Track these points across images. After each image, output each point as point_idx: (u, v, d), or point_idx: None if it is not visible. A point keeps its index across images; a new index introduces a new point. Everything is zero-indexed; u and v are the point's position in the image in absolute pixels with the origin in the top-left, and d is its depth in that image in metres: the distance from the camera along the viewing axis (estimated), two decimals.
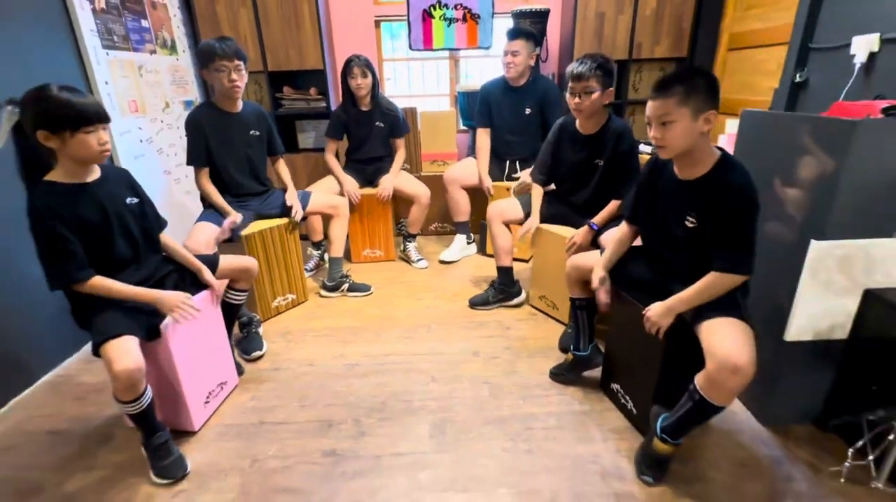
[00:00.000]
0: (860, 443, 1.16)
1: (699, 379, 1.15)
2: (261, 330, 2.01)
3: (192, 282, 1.52)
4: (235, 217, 1.97)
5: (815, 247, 1.24)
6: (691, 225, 1.25)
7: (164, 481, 1.32)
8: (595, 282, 1.47)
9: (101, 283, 1.25)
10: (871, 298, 1.29)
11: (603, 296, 1.49)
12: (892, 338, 1.26)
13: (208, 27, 2.79)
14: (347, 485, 1.30)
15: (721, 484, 1.28)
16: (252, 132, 2.10)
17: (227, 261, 1.63)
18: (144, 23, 2.43)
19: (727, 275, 1.16)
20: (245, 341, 1.92)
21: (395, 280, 2.61)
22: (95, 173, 1.31)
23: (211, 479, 1.34)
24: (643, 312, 1.30)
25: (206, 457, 1.41)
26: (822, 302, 1.30)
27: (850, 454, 1.14)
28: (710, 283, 1.18)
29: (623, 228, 1.48)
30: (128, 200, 1.37)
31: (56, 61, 1.93)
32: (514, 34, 2.43)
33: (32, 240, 1.21)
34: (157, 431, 1.33)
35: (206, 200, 2.07)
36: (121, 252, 1.33)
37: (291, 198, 2.22)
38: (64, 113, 1.15)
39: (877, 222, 1.23)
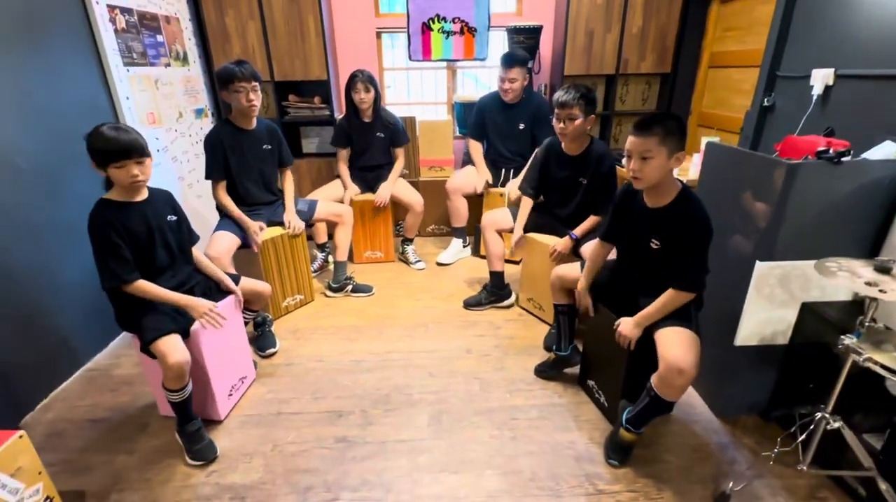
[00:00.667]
0: (791, 431, 1.37)
1: (654, 379, 1.37)
2: (273, 328, 2.21)
3: (217, 290, 1.72)
4: (259, 229, 2.18)
5: (759, 267, 1.45)
6: (655, 246, 1.46)
7: (198, 463, 1.52)
8: (582, 301, 1.68)
9: (144, 286, 1.46)
10: (807, 310, 1.51)
11: (589, 310, 1.69)
12: (823, 344, 1.48)
13: (218, 39, 2.93)
14: (357, 467, 1.52)
15: (675, 466, 1.51)
16: (265, 146, 2.27)
17: (246, 282, 1.84)
18: (159, 38, 2.57)
19: (682, 293, 1.38)
20: (260, 339, 2.12)
21: (394, 280, 2.81)
22: (144, 194, 1.50)
23: (238, 461, 1.55)
24: (615, 327, 1.51)
25: (232, 443, 1.62)
26: (766, 313, 1.52)
27: (779, 441, 1.37)
28: (669, 299, 1.39)
29: (597, 248, 1.68)
30: (169, 218, 1.57)
31: (83, 80, 2.09)
32: (510, 62, 2.59)
33: (92, 247, 1.42)
34: (192, 419, 1.54)
35: (222, 211, 2.25)
36: (160, 260, 1.53)
37: (289, 216, 2.35)
38: (102, 150, 1.37)
39: (814, 246, 1.44)
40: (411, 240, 3.03)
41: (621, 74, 3.16)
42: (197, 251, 1.72)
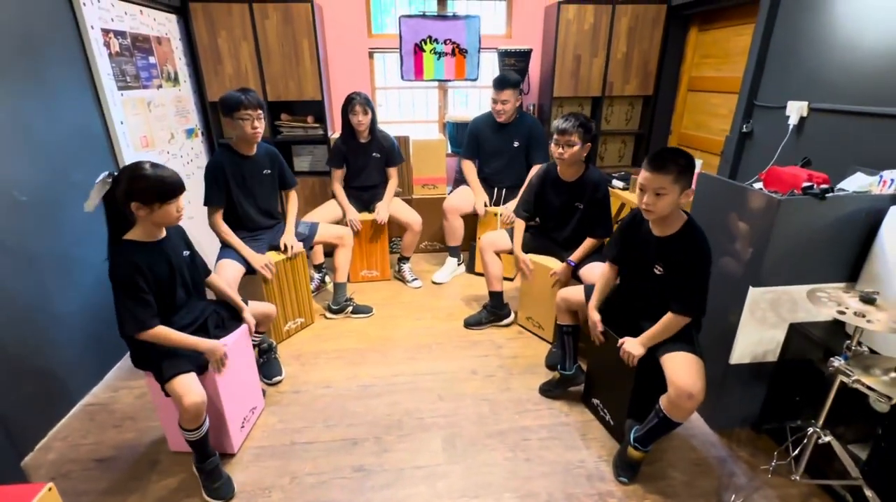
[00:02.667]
0: (784, 446, 1.49)
1: (663, 401, 1.45)
2: (277, 354, 2.20)
3: (229, 318, 1.73)
4: (269, 263, 2.21)
5: (752, 292, 1.57)
6: (659, 272, 1.55)
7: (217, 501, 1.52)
8: (595, 327, 1.73)
9: (164, 333, 1.44)
10: (794, 331, 1.63)
11: (599, 337, 1.75)
12: (808, 361, 1.61)
13: (210, 59, 2.90)
14: (378, 496, 1.54)
15: (679, 481, 1.60)
16: (265, 171, 2.27)
17: (254, 306, 1.85)
18: (151, 59, 2.53)
19: (682, 316, 1.47)
20: (266, 366, 2.11)
21: (393, 300, 2.84)
22: (163, 233, 1.49)
23: (257, 496, 1.55)
24: (618, 345, 1.60)
25: (248, 477, 1.62)
26: (758, 333, 1.64)
27: (776, 454, 1.48)
28: (670, 322, 1.49)
29: (606, 270, 1.77)
30: (184, 253, 1.57)
31: (78, 106, 2.04)
32: (503, 85, 2.67)
33: (113, 289, 1.39)
34: (210, 456, 1.53)
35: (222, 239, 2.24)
36: (179, 298, 1.53)
37: (287, 237, 2.35)
38: (156, 189, 1.36)
39: (800, 272, 1.56)
40: (408, 259, 3.07)
41: (607, 96, 3.30)
42: (215, 278, 1.73)
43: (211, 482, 1.52)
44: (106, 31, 2.16)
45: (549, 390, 2.01)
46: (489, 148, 2.93)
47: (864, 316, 1.18)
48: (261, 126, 2.11)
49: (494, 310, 2.52)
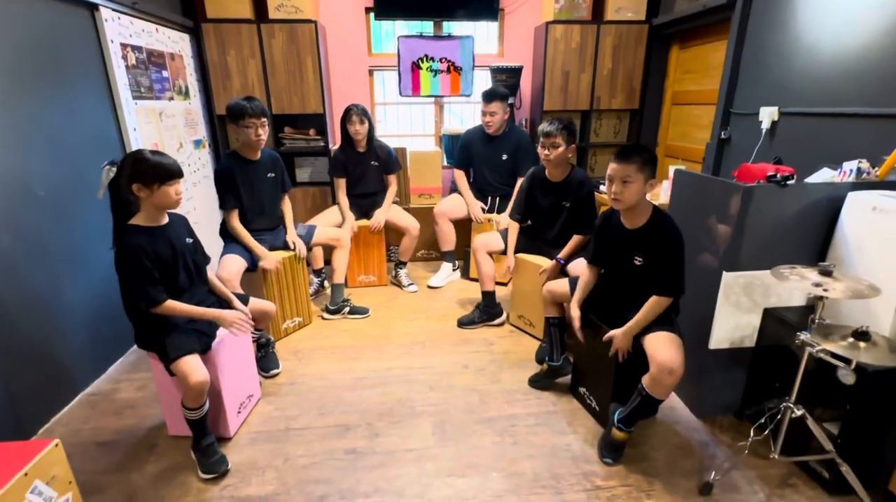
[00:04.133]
0: (760, 421, 1.54)
1: (645, 380, 1.52)
2: (275, 349, 2.27)
3: (231, 308, 1.81)
4: (275, 264, 2.32)
5: (725, 277, 1.65)
6: (639, 262, 1.64)
7: (211, 475, 1.56)
8: (576, 324, 1.80)
9: (174, 305, 1.53)
10: (768, 315, 1.71)
11: (580, 335, 1.81)
12: (784, 346, 1.68)
13: (219, 75, 3.09)
14: (369, 475, 1.59)
15: (662, 462, 1.64)
16: (269, 175, 2.40)
17: (254, 303, 1.93)
18: (165, 73, 2.71)
19: (664, 298, 1.55)
20: (263, 360, 2.17)
21: (389, 303, 2.91)
22: (165, 218, 1.59)
23: (252, 475, 1.59)
24: (605, 338, 1.65)
25: (243, 458, 1.67)
26: (734, 318, 1.71)
27: (752, 431, 1.52)
28: (652, 305, 1.56)
29: (586, 271, 1.85)
30: (187, 240, 1.67)
31: (96, 113, 2.19)
32: (490, 98, 2.83)
33: (119, 271, 1.49)
34: (207, 434, 1.59)
35: (227, 235, 2.34)
36: (182, 282, 1.62)
37: (292, 237, 2.49)
38: (155, 171, 1.47)
39: (771, 257, 1.64)
40: (405, 264, 3.16)
41: (595, 110, 3.47)
42: (210, 272, 1.81)
43: (206, 458, 1.57)
44: (124, 45, 2.33)
45: (537, 381, 2.06)
46: (480, 159, 3.07)
47: (821, 286, 1.26)
48: (264, 133, 2.25)
49: (487, 310, 2.59)
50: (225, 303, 1.81)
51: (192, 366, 1.48)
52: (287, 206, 2.58)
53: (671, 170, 2.47)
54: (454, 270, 3.25)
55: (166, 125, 2.70)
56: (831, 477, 1.48)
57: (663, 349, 1.49)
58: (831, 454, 1.41)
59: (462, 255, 3.32)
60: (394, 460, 1.65)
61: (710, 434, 1.78)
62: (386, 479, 1.57)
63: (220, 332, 1.68)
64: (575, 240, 2.28)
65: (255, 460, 1.66)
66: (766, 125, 2.30)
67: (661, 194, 2.68)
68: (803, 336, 1.36)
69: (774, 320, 1.69)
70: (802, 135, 2.13)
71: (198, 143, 3.08)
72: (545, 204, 2.36)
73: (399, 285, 3.14)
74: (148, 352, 1.61)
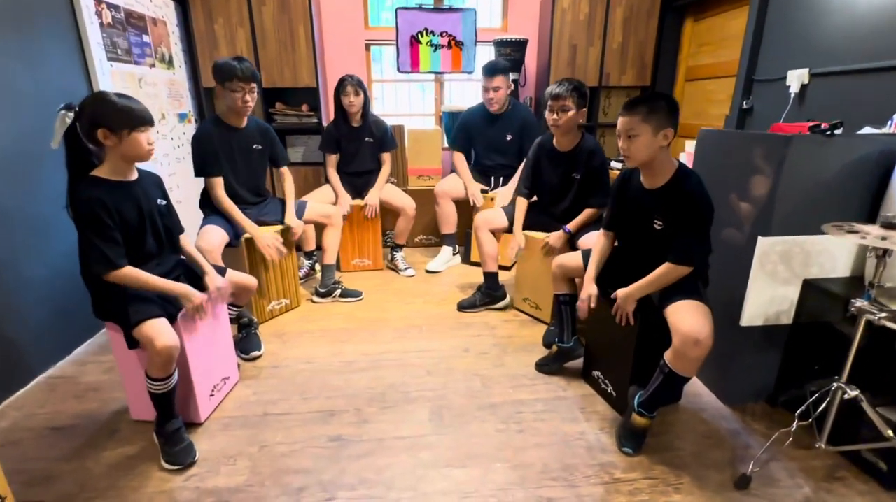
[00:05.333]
0: (803, 408, 1.34)
1: (667, 355, 1.32)
2: (258, 331, 2.08)
3: (202, 281, 1.61)
4: (277, 242, 2.15)
5: (761, 242, 1.46)
6: (659, 226, 1.45)
7: (175, 467, 1.37)
8: (587, 300, 1.60)
9: (134, 274, 1.34)
10: (809, 288, 1.51)
11: (585, 308, 1.62)
12: (826, 323, 1.48)
13: (206, 45, 2.91)
14: (354, 465, 1.39)
15: (689, 452, 1.44)
16: (255, 146, 2.21)
17: (233, 275, 1.73)
18: (146, 38, 2.53)
19: (678, 267, 1.36)
20: (244, 342, 1.98)
21: (384, 287, 2.72)
22: (134, 174, 1.41)
23: (221, 464, 1.40)
24: (612, 296, 1.48)
25: (214, 446, 1.47)
26: (769, 290, 1.52)
27: (796, 416, 1.32)
28: (663, 273, 1.37)
29: (601, 239, 1.66)
30: (158, 201, 1.48)
31: (66, 70, 2.01)
32: (493, 71, 2.61)
33: (77, 228, 1.30)
34: (174, 417, 1.39)
35: (208, 206, 2.15)
36: (149, 247, 1.43)
37: (290, 219, 2.29)
38: (123, 114, 1.28)
39: (811, 221, 1.45)
40: (401, 247, 2.97)
41: (604, 87, 3.28)
42: (185, 239, 1.62)
43: (171, 446, 1.38)
44: (98, 1, 2.15)
45: (545, 365, 1.87)
46: (482, 140, 2.88)
47: (888, 239, 1.06)
48: (252, 100, 2.06)
49: (489, 292, 2.40)
50: (198, 276, 1.62)
51: (158, 329, 1.29)
52: (288, 182, 2.39)
53: (685, 149, 2.29)
54: (454, 254, 3.05)
55: (147, 93, 2.52)
56: (890, 468, 1.28)
57: (688, 318, 1.30)
58: (891, 441, 1.21)
59: (463, 240, 3.12)
60: (383, 448, 1.46)
61: (742, 422, 1.58)
62: (374, 469, 1.38)
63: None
64: (586, 213, 2.09)
65: (227, 447, 1.46)
66: (794, 89, 2.11)
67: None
68: (859, 303, 1.16)
69: (816, 294, 1.49)
70: (837, 96, 1.94)
71: (182, 117, 2.90)
72: (553, 176, 2.17)
73: (395, 269, 2.95)
74: (106, 322, 1.42)
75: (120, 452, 1.45)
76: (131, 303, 1.32)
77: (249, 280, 1.81)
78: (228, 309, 1.77)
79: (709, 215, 1.36)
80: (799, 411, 1.33)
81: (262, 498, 1.28)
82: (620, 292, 1.46)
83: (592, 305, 1.61)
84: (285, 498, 1.28)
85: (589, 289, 1.63)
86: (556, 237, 2.08)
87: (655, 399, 1.39)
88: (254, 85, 2.04)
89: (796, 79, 2.09)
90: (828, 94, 1.98)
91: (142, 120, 1.31)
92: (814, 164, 1.40)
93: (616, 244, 1.68)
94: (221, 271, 1.69)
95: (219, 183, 2.10)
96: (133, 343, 1.33)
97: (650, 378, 1.42)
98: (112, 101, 1.28)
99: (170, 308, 1.41)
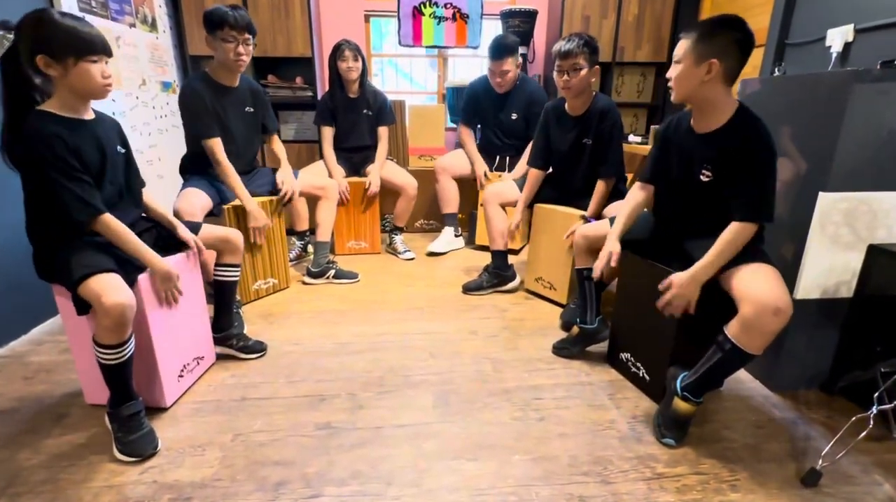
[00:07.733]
0: (879, 392, 1.13)
1: (731, 329, 1.10)
2: (241, 311, 1.86)
3: (172, 241, 1.39)
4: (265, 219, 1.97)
5: (823, 199, 1.25)
6: (706, 178, 1.24)
7: (131, 459, 1.14)
8: (606, 258, 1.41)
9: (118, 225, 1.15)
10: (876, 253, 1.30)
11: (601, 266, 1.42)
12: (893, 295, 1.28)
13: (192, 10, 2.70)
14: (345, 456, 1.17)
15: (741, 444, 1.23)
16: (247, 109, 2.00)
17: (209, 230, 1.51)
18: None
19: (748, 225, 1.14)
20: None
21: (382, 270, 2.50)
22: (90, 113, 1.19)
23: (185, 455, 1.17)
24: (661, 287, 1.24)
25: (179, 434, 1.24)
26: (830, 256, 1.31)
27: (875, 398, 1.11)
28: (733, 237, 1.14)
29: (636, 195, 1.46)
30: (118, 148, 1.27)
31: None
32: (500, 52, 2.39)
33: (34, 173, 1.09)
34: (131, 399, 1.17)
35: (190, 170, 1.94)
36: (108, 195, 1.21)
37: (284, 174, 2.09)
38: (68, 39, 1.05)
39: (880, 175, 1.26)
40: (401, 230, 2.76)
41: (617, 63, 3.09)
42: (148, 194, 1.40)
43: (126, 433, 1.15)
44: None
45: (564, 348, 1.65)
46: (486, 119, 2.67)
47: None
48: (246, 54, 1.84)
49: (497, 272, 2.18)
50: (167, 233, 1.39)
51: (107, 284, 1.06)
52: (279, 146, 2.19)
53: None
54: (457, 236, 2.84)
55: (125, 53, 2.31)
56: None
57: (761, 283, 1.08)
58: None
59: (466, 224, 2.91)
60: (381, 438, 1.23)
61: (796, 411, 1.36)
62: (369, 462, 1.15)
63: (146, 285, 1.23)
64: (599, 190, 1.87)
65: (195, 436, 1.23)
66: (836, 48, 1.91)
67: None
68: None
69: (885, 261, 1.29)
70: (890, 51, 1.74)
71: (167, 86, 2.68)
72: (564, 144, 1.96)
73: (394, 253, 2.73)
74: (52, 283, 1.19)
75: (65, 440, 1.21)
76: (74, 255, 1.10)
77: (231, 233, 1.56)
78: (219, 270, 1.54)
79: (774, 163, 1.15)
80: (877, 393, 1.12)
81: (231, 495, 1.05)
82: (677, 277, 1.20)
83: (613, 263, 1.40)
84: (260, 495, 1.05)
85: (610, 246, 1.42)
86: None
87: (706, 380, 1.18)
88: (248, 36, 1.82)
89: (839, 37, 1.90)
90: (879, 50, 1.78)
91: (90, 47, 1.08)
92: (885, 106, 1.20)
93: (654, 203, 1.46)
94: (195, 228, 1.46)
95: (218, 143, 1.86)
96: (83, 307, 1.10)
97: (694, 359, 1.20)
98: (54, 21, 1.05)
99: (127, 267, 1.18)
